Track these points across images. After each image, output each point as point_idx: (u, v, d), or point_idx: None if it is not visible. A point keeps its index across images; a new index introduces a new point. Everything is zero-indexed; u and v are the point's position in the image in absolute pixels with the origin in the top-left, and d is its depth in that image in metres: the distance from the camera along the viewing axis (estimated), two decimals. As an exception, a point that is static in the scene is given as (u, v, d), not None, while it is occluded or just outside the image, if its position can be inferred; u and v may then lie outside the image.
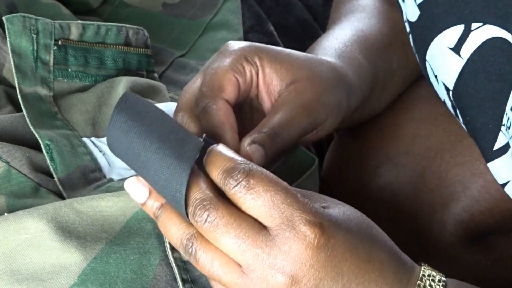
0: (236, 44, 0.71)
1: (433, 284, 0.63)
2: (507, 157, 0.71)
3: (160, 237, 0.68)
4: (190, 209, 0.59)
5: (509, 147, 0.70)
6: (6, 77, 0.81)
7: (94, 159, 0.76)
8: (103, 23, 0.81)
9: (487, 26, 0.68)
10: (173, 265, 0.68)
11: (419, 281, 0.62)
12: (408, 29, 0.77)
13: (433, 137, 0.87)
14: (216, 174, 0.60)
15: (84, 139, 0.77)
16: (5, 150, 0.71)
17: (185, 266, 0.68)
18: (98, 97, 0.80)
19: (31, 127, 0.74)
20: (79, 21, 0.81)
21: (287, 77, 0.70)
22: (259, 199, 0.58)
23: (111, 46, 0.82)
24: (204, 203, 0.59)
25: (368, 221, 0.63)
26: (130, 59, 0.85)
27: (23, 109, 0.75)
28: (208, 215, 0.58)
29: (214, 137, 0.65)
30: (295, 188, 0.61)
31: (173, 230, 0.61)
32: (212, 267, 0.60)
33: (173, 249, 0.68)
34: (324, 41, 0.80)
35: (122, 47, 0.83)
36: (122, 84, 0.81)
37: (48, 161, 0.73)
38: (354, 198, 0.86)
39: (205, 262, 0.60)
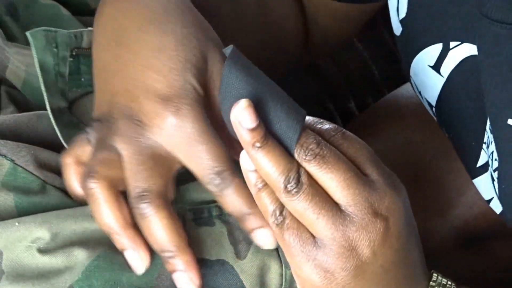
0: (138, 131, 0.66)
1: None
2: (489, 175, 0.71)
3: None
4: (304, 144, 0.59)
5: (489, 165, 0.70)
6: (9, 79, 0.80)
7: None
8: None
9: (465, 44, 0.69)
10: None
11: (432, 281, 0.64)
12: (396, 41, 0.78)
13: (428, 144, 0.88)
14: (313, 127, 0.61)
15: None
16: (9, 148, 0.71)
17: None
18: None
19: (66, 146, 0.73)
20: (90, 28, 0.80)
21: (204, 69, 0.67)
22: (356, 149, 0.60)
23: None
24: (317, 139, 0.59)
25: (412, 219, 0.65)
26: None
27: (56, 127, 0.73)
28: (321, 149, 0.58)
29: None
30: None
31: (279, 162, 0.59)
32: (312, 202, 0.59)
33: None
34: None
35: None
36: None
37: None
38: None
39: (308, 195, 0.59)
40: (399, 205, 0.59)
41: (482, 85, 0.65)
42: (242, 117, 0.58)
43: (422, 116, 0.89)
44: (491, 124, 0.66)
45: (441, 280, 0.64)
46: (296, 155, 0.59)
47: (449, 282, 0.64)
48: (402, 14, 0.74)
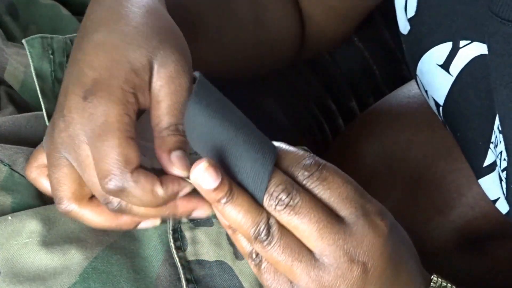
0: (98, 96, 0.62)
1: None
2: (495, 174, 0.71)
3: (162, 238, 0.69)
4: (273, 194, 0.57)
5: (496, 165, 0.70)
6: (7, 80, 0.80)
7: None
8: None
9: (475, 43, 0.69)
10: (178, 264, 0.68)
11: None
12: (402, 40, 0.78)
13: (429, 144, 0.87)
14: (286, 166, 0.59)
15: None
16: (6, 153, 0.71)
17: (189, 266, 0.68)
18: None
19: None
20: None
21: (144, 59, 0.63)
22: (333, 189, 0.58)
23: None
24: (287, 187, 0.57)
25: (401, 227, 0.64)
26: None
27: None
28: (291, 199, 0.57)
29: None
30: None
31: (247, 215, 0.58)
32: (285, 253, 0.58)
33: (178, 248, 0.68)
34: None
35: None
36: None
37: None
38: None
39: (279, 247, 0.58)
40: (380, 244, 0.58)
41: (491, 84, 0.65)
42: (202, 180, 0.57)
43: (423, 116, 0.89)
44: (500, 124, 0.65)
45: (441, 283, 0.64)
46: (265, 205, 0.58)
47: (449, 285, 0.64)
48: (411, 13, 0.74)
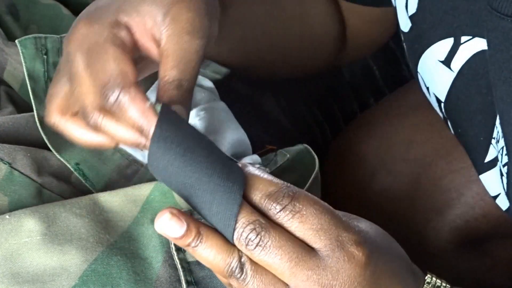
0: (92, 21, 0.65)
1: None
2: (497, 170, 0.71)
3: (162, 239, 0.68)
4: (242, 234, 0.57)
5: (498, 160, 0.70)
6: (6, 80, 0.80)
7: (124, 154, 0.76)
8: None
9: (476, 39, 0.69)
10: (178, 266, 0.67)
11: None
12: (402, 38, 0.78)
13: (429, 144, 0.88)
14: (258, 198, 0.58)
15: None
16: (6, 151, 0.71)
17: (189, 268, 0.68)
18: None
19: (56, 154, 0.73)
20: None
21: (158, 13, 0.66)
22: (306, 222, 0.57)
23: None
24: (255, 227, 0.57)
25: (388, 236, 0.63)
26: None
27: (44, 135, 0.73)
28: (260, 239, 0.57)
29: (141, 131, 0.62)
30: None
31: (218, 256, 0.58)
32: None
33: (178, 250, 0.68)
34: None
35: None
36: None
37: (83, 181, 0.73)
38: (349, 204, 0.86)
39: (254, 284, 0.58)
40: (356, 274, 0.58)
41: (490, 79, 0.65)
42: (167, 230, 0.57)
43: (423, 116, 0.89)
44: (500, 119, 0.65)
45: (435, 282, 0.64)
46: (236, 244, 0.58)
47: (443, 284, 0.64)
48: (412, 10, 0.74)
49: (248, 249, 0.57)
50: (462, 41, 0.70)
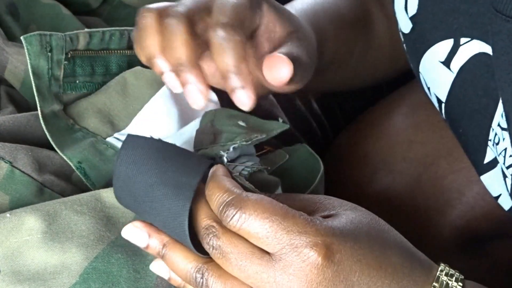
0: None
1: (450, 283, 0.63)
2: (497, 171, 0.71)
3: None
4: (199, 237, 0.61)
5: (498, 162, 0.70)
6: (8, 79, 0.80)
7: None
8: (107, 28, 0.81)
9: (475, 41, 0.69)
10: None
11: (435, 283, 0.62)
12: (402, 39, 0.78)
13: (430, 144, 0.87)
14: (214, 206, 0.61)
15: (108, 139, 0.77)
16: (7, 150, 0.71)
17: None
18: (107, 94, 0.79)
19: (58, 152, 0.73)
20: (86, 30, 0.80)
21: (290, 26, 0.71)
22: (255, 230, 0.59)
23: (116, 51, 0.82)
24: (209, 231, 0.60)
25: (379, 225, 0.63)
26: (134, 61, 0.84)
27: (47, 133, 0.74)
28: (215, 242, 0.60)
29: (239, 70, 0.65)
30: (303, 196, 0.63)
31: (181, 265, 0.62)
32: None
33: None
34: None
35: (126, 51, 0.83)
36: (128, 73, 0.80)
37: (84, 180, 0.73)
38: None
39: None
40: (312, 275, 0.58)
41: (496, 82, 0.65)
42: (133, 240, 0.64)
43: (424, 116, 0.89)
44: (506, 120, 0.65)
45: (449, 271, 0.64)
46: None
47: (457, 273, 0.64)
48: (412, 11, 0.74)
49: (210, 252, 0.60)
50: (461, 43, 0.70)
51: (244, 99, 0.64)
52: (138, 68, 0.80)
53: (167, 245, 0.63)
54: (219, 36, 0.64)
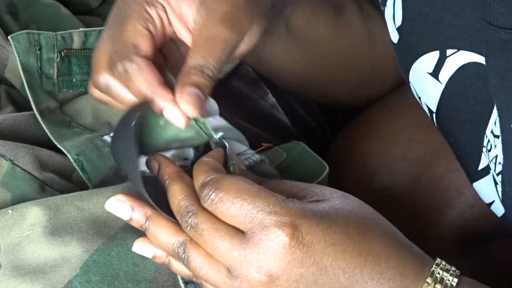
0: None
1: (444, 277, 0.63)
2: (490, 178, 0.71)
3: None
4: (178, 216, 0.63)
5: (490, 169, 0.70)
6: (8, 78, 0.81)
7: None
8: (103, 27, 0.81)
9: (462, 52, 0.70)
10: None
11: (429, 277, 0.63)
12: (393, 49, 0.78)
13: (429, 143, 0.87)
14: (196, 186, 0.63)
15: (105, 137, 0.77)
16: (8, 148, 0.71)
17: None
18: None
19: (56, 143, 0.74)
20: (81, 29, 0.80)
21: (194, 1, 0.69)
22: (228, 210, 0.61)
23: None
24: (188, 210, 0.62)
25: (365, 214, 0.64)
26: None
27: (43, 125, 0.75)
28: (192, 220, 0.62)
29: (146, 100, 0.67)
30: (295, 182, 0.65)
31: (164, 238, 0.63)
32: (202, 269, 0.62)
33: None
34: None
35: None
36: None
37: (81, 173, 0.74)
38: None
39: (195, 265, 0.62)
40: (281, 253, 0.60)
41: (490, 89, 0.66)
42: (116, 212, 0.65)
43: (423, 115, 0.89)
44: (500, 127, 0.66)
45: (445, 265, 0.64)
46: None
47: (453, 269, 0.64)
48: (398, 22, 0.75)
49: (187, 230, 0.62)
50: (448, 54, 0.71)
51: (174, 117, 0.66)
52: None
53: (150, 219, 0.64)
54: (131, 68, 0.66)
